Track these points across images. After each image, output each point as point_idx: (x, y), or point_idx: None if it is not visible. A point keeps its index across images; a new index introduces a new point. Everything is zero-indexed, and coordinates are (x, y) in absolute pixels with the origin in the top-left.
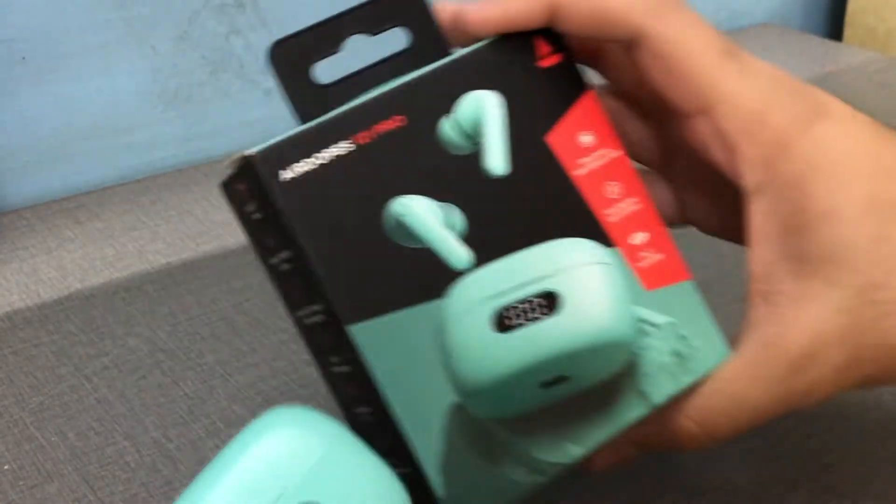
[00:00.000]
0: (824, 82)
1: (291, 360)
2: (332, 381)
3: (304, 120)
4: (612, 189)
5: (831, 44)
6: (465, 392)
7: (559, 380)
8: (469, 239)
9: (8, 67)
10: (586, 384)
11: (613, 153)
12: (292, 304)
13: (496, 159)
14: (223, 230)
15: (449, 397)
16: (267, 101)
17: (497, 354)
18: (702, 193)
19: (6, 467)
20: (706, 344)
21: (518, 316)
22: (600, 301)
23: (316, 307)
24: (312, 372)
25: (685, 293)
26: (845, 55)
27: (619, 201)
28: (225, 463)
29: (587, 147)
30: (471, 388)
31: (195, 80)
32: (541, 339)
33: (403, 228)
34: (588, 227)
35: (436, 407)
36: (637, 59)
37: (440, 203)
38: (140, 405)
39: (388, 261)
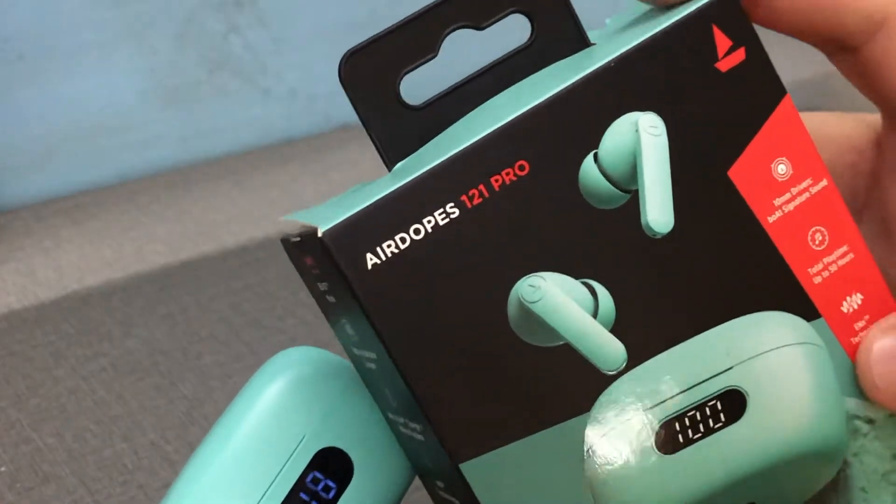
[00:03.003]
0: (825, 83)
1: None
2: (438, 501)
3: (389, 157)
4: (818, 236)
5: None
6: None
7: None
8: (620, 327)
9: (5, 66)
10: None
11: (817, 185)
12: (382, 402)
13: (657, 212)
14: (222, 230)
15: None
16: (266, 100)
17: (664, 484)
18: None
19: (2, 469)
20: None
21: (690, 428)
22: (798, 397)
23: (415, 425)
24: None
25: None
26: None
27: (825, 253)
28: (239, 415)
29: (784, 180)
30: None
31: (193, 79)
32: (720, 456)
33: (534, 320)
34: (785, 294)
35: None
36: (868, 56)
37: (582, 281)
38: (138, 407)
39: (512, 369)
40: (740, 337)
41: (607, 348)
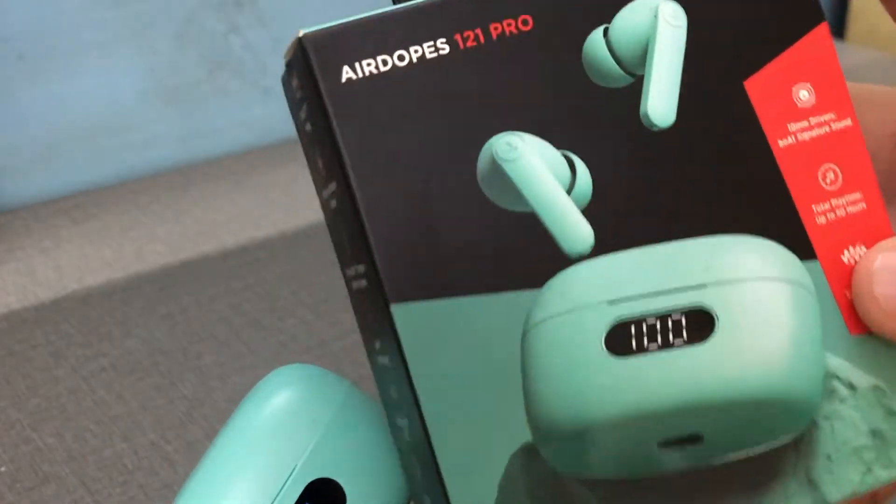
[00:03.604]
0: None
1: (290, 362)
2: (377, 376)
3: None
4: (830, 175)
5: (834, 43)
6: (548, 433)
7: (690, 440)
8: (592, 211)
9: (5, 66)
10: (728, 454)
11: (840, 122)
12: (341, 256)
13: (659, 103)
14: (222, 230)
15: (519, 435)
16: (266, 99)
17: (606, 386)
18: None
19: (2, 469)
20: None
21: (646, 335)
22: (774, 337)
23: (361, 267)
24: None
25: None
26: (848, 54)
27: (835, 195)
28: (230, 444)
29: (804, 107)
30: (558, 430)
31: (193, 78)
32: (673, 375)
33: (503, 180)
34: (782, 225)
35: (496, 448)
36: None
37: (562, 151)
38: (138, 407)
39: (469, 224)
40: (724, 256)
41: (574, 227)
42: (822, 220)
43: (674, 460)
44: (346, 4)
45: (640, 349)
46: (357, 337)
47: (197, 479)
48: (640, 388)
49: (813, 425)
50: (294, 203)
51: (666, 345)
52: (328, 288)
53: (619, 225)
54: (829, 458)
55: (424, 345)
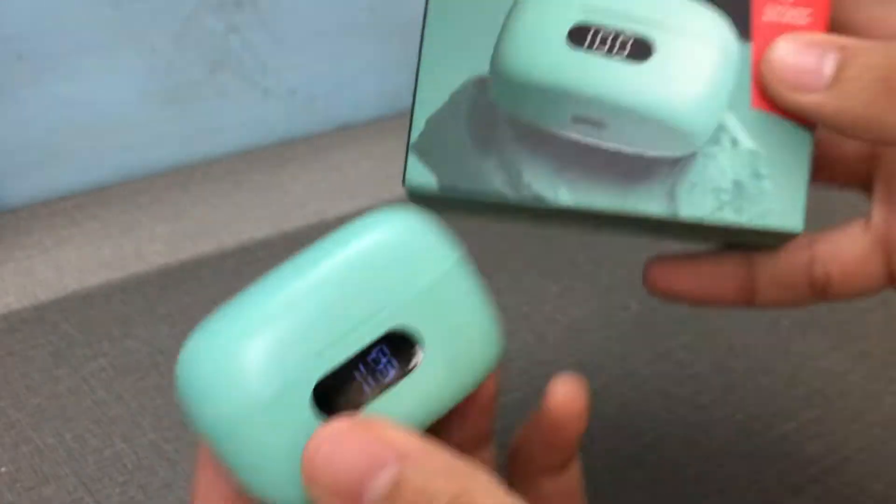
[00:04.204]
0: None
1: None
2: None
3: None
4: None
5: None
6: (501, 74)
7: (596, 123)
8: None
9: (5, 66)
10: (620, 146)
11: None
12: None
13: None
14: (222, 230)
15: (482, 65)
16: (266, 99)
17: (553, 60)
18: None
19: (3, 469)
20: (779, 202)
21: (599, 40)
22: (691, 80)
23: None
24: None
25: (795, 141)
26: None
27: (790, 4)
28: (335, 252)
29: None
30: (508, 73)
31: (193, 79)
32: (605, 76)
33: None
34: (735, 6)
35: (465, 67)
36: None
37: None
38: (138, 407)
39: None
40: (682, 8)
41: None
42: (767, 15)
43: (578, 131)
44: (348, 5)
45: (591, 47)
46: None
47: (284, 273)
48: (577, 73)
49: (692, 156)
50: (294, 203)
51: (610, 52)
52: None
53: None
54: (693, 184)
55: None
